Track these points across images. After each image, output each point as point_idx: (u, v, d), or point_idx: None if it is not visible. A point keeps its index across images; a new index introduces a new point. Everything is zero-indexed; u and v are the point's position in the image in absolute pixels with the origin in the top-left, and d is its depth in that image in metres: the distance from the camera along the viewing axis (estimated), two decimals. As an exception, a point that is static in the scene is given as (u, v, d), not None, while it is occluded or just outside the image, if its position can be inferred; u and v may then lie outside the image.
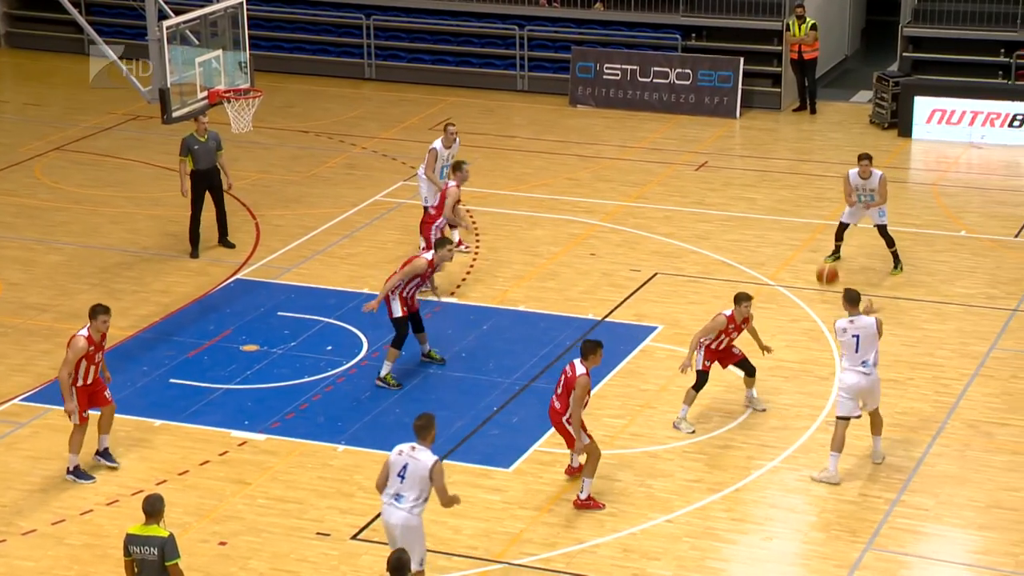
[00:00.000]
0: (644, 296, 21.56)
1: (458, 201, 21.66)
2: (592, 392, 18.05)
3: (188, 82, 21.90)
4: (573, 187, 25.95)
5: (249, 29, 23.06)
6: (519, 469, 17.15)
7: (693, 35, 31.10)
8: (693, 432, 17.76)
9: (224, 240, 23.39)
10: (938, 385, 18.94)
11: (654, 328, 20.50)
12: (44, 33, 34.68)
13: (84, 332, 16.64)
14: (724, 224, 24.25)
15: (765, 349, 18.27)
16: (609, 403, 18.47)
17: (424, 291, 19.62)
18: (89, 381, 16.75)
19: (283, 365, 19.60)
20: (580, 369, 16.02)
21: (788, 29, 29.78)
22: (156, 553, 13.08)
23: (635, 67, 30.37)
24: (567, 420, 16.10)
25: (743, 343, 18.17)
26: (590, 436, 16.24)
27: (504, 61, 31.93)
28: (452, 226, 21.96)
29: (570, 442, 16.28)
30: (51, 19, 33.94)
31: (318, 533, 15.93)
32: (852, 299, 16.77)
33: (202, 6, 23.41)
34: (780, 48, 30.28)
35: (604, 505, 16.28)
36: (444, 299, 20.98)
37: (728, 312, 17.75)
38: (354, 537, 15.79)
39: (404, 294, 18.76)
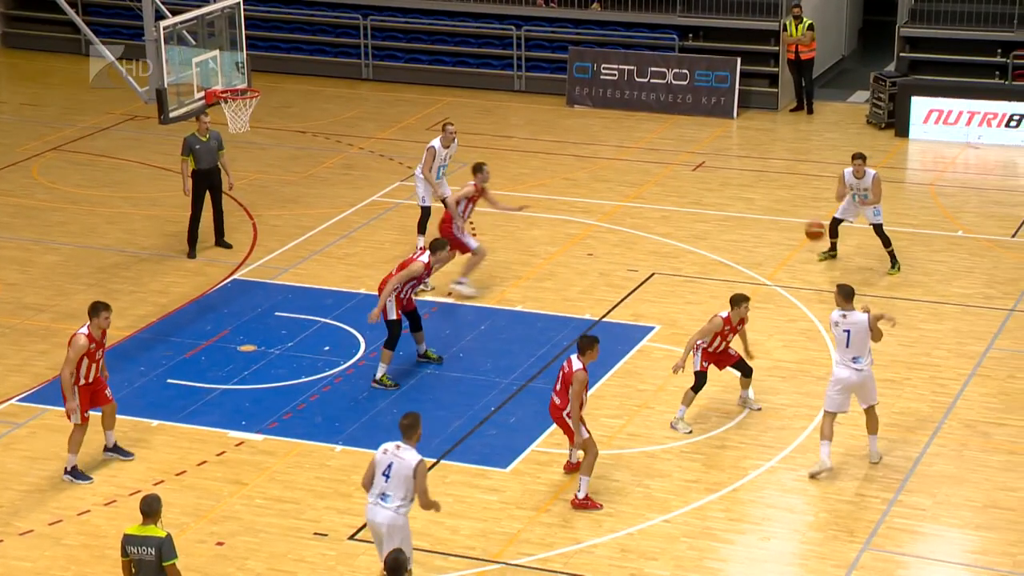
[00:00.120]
0: (641, 296, 21.57)
1: (471, 200, 21.53)
2: (590, 392, 18.09)
3: (185, 82, 21.90)
4: (570, 187, 25.95)
5: (246, 29, 23.06)
6: (516, 469, 17.15)
7: (690, 35, 31.11)
8: (690, 432, 17.77)
9: (221, 240, 23.39)
10: (935, 385, 18.95)
11: (651, 328, 20.51)
12: (41, 33, 34.67)
13: (84, 330, 16.65)
14: (721, 224, 24.26)
15: (749, 356, 18.28)
16: (607, 403, 18.48)
17: (422, 290, 19.63)
18: (91, 380, 16.77)
19: (280, 365, 19.60)
20: (577, 364, 16.07)
21: (785, 29, 29.79)
22: (153, 553, 13.08)
23: (632, 67, 30.38)
24: (567, 415, 16.12)
25: (738, 345, 18.19)
26: (589, 432, 16.26)
27: (501, 61, 31.94)
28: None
29: (571, 437, 16.31)
30: (48, 19, 33.94)
31: (316, 533, 15.92)
32: (846, 294, 16.80)
33: (199, 6, 23.40)
34: (777, 48, 30.29)
35: (602, 505, 16.29)
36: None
37: (724, 314, 17.76)
38: (351, 537, 15.79)
39: (400, 295, 18.76)
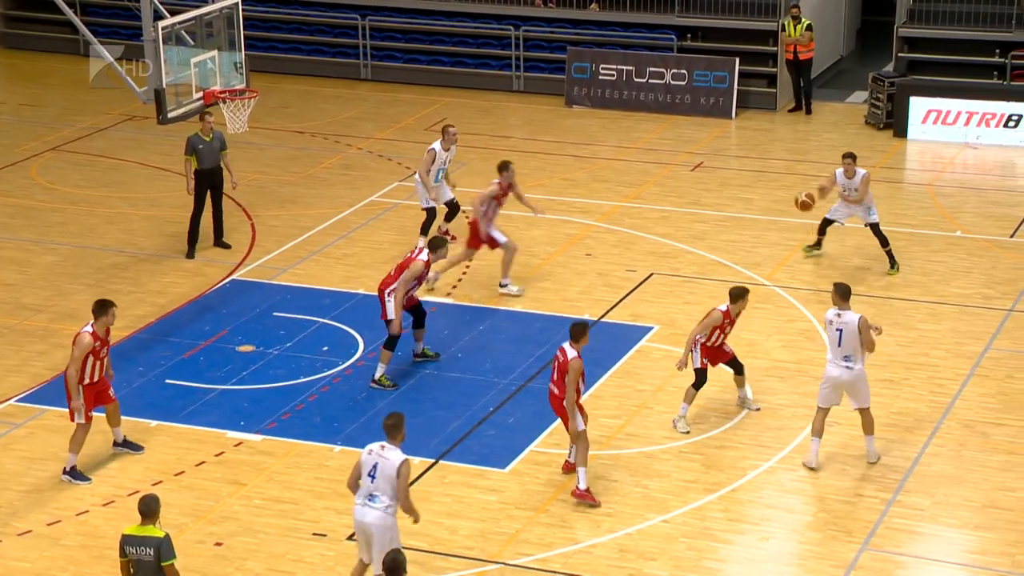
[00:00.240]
0: (640, 296, 21.57)
1: (496, 199, 21.49)
2: (589, 392, 18.11)
3: (184, 83, 21.91)
4: (569, 187, 25.96)
5: (245, 29, 23.09)
6: (515, 469, 17.15)
7: (689, 36, 31.11)
8: (688, 433, 17.77)
9: (220, 241, 23.39)
10: (933, 385, 18.96)
11: (650, 328, 20.52)
12: (40, 34, 34.67)
13: (89, 328, 16.68)
14: (720, 224, 24.27)
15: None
16: (605, 403, 18.48)
17: (429, 287, 19.74)
18: (95, 379, 16.79)
19: (279, 366, 19.60)
20: (571, 352, 16.14)
21: (784, 30, 29.79)
22: (152, 554, 13.09)
23: (631, 67, 30.38)
24: (565, 403, 16.19)
25: (732, 341, 18.19)
26: (585, 422, 16.29)
27: (500, 61, 31.93)
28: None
29: (569, 427, 16.37)
30: (47, 20, 33.94)
31: (314, 534, 15.92)
32: (843, 293, 16.82)
33: (198, 6, 23.41)
34: (776, 49, 30.29)
35: (600, 503, 16.29)
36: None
37: (724, 308, 17.76)
38: (350, 538, 15.74)
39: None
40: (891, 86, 28.78)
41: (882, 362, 19.17)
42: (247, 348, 20.09)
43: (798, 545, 15.78)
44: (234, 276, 22.44)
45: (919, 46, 30.50)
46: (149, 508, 13.20)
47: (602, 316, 20.90)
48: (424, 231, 22.47)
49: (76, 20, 23.98)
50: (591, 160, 27.44)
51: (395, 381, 18.96)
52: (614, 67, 30.46)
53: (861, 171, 21.82)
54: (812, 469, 16.91)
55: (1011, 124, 27.99)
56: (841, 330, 16.62)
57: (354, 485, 14.15)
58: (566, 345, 16.23)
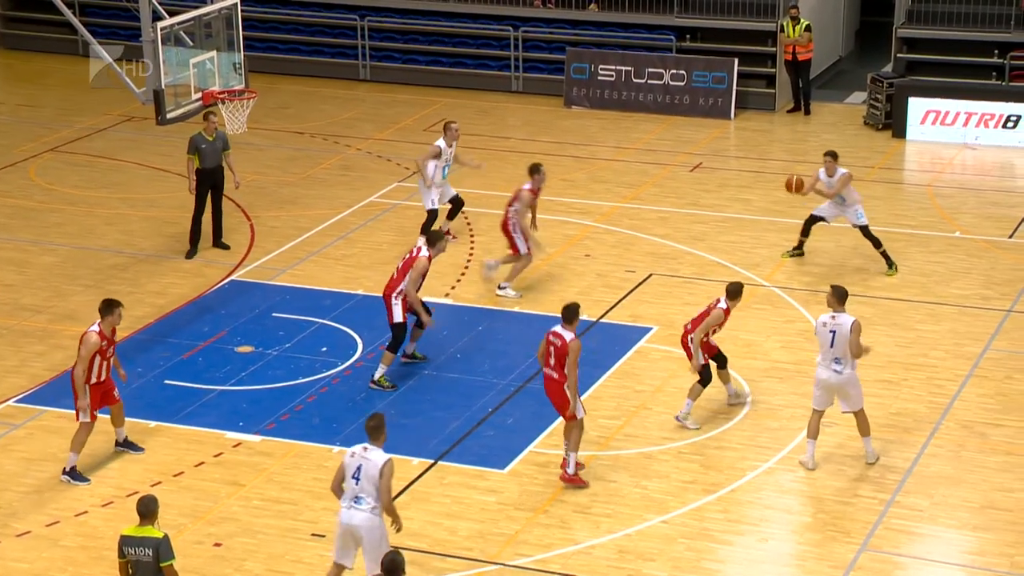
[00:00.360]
0: (639, 297, 21.57)
1: (528, 206, 21.54)
2: (588, 393, 18.10)
3: (183, 83, 21.90)
4: (568, 188, 25.95)
5: (243, 30, 23.06)
6: (514, 470, 17.15)
7: (687, 36, 31.12)
8: (699, 428, 17.77)
9: (219, 242, 23.39)
10: (932, 386, 18.96)
11: (649, 329, 20.52)
12: (38, 34, 34.67)
13: (96, 328, 16.72)
14: (719, 225, 24.27)
15: None
16: (604, 404, 18.48)
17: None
18: (102, 378, 16.83)
19: (278, 366, 19.60)
20: (568, 334, 16.28)
21: (782, 30, 29.79)
22: (151, 554, 13.09)
23: (630, 68, 30.38)
24: (567, 387, 16.26)
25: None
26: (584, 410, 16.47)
27: (498, 62, 31.93)
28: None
29: (567, 413, 16.47)
30: (45, 20, 33.93)
31: (313, 535, 15.93)
32: (840, 296, 16.82)
33: (196, 7, 23.40)
34: (774, 49, 30.30)
35: (588, 484, 16.46)
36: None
37: (724, 305, 17.78)
38: (349, 538, 15.78)
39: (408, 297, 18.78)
40: (890, 87, 28.78)
41: (881, 363, 19.18)
42: (246, 349, 20.09)
43: (797, 546, 15.78)
44: (233, 277, 22.44)
45: (918, 47, 30.50)
46: (147, 509, 13.20)
47: (601, 317, 20.90)
48: (424, 231, 22.49)
49: (75, 20, 23.96)
50: (590, 161, 27.44)
51: (394, 382, 18.96)
52: (613, 68, 30.46)
53: (842, 170, 21.85)
54: (809, 469, 16.92)
55: (1010, 125, 27.99)
56: (835, 332, 16.62)
57: (337, 489, 14.13)
58: (559, 328, 16.31)
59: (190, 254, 23.05)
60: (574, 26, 31.69)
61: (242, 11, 22.88)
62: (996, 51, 29.88)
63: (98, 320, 16.80)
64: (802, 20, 29.53)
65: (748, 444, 17.61)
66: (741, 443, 17.64)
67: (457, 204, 23.31)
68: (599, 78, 30.55)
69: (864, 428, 16.98)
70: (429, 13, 32.52)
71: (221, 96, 22.30)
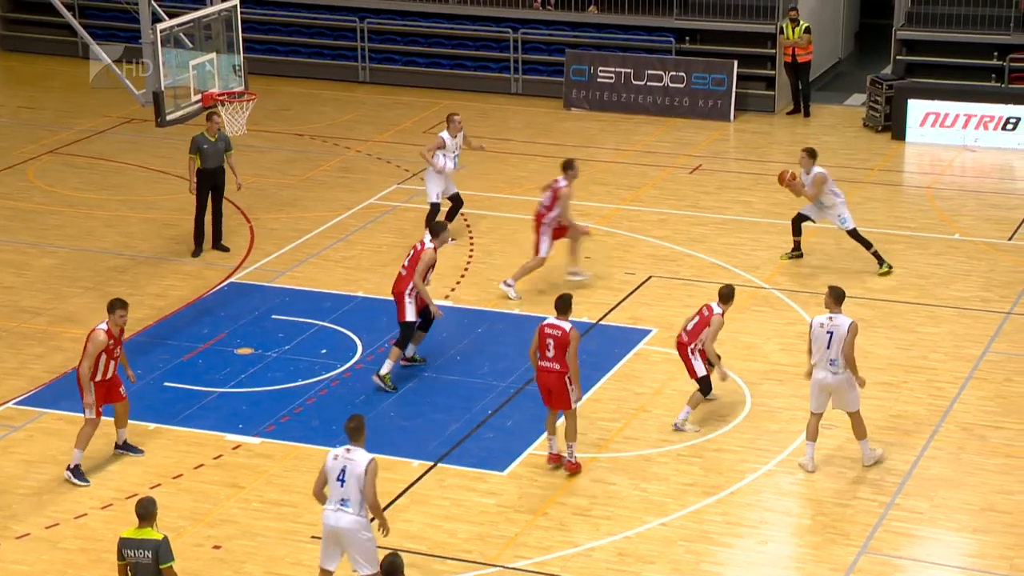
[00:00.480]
0: (639, 299, 21.57)
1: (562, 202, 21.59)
2: (586, 395, 18.09)
3: (182, 85, 21.91)
4: (567, 190, 25.92)
5: (243, 32, 23.07)
6: (514, 473, 17.15)
7: (687, 38, 31.12)
8: (699, 431, 17.78)
9: (219, 244, 23.39)
10: (932, 388, 18.95)
11: (649, 331, 20.51)
12: (38, 36, 34.67)
13: (103, 326, 16.77)
14: (719, 227, 24.27)
15: None
16: (604, 406, 18.47)
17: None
18: (108, 376, 16.85)
19: (277, 368, 19.60)
20: (566, 325, 16.47)
21: (782, 32, 29.80)
22: (150, 556, 13.09)
23: (629, 70, 30.38)
24: (569, 378, 16.43)
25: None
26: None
27: (498, 64, 31.94)
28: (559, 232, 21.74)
29: (567, 404, 16.62)
30: (45, 22, 33.95)
31: (313, 537, 15.89)
32: (837, 297, 16.83)
33: (196, 9, 23.41)
34: (774, 51, 30.30)
35: (580, 465, 16.86)
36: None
37: (719, 310, 17.82)
38: (349, 541, 15.77)
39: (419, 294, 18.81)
40: (889, 89, 28.78)
41: (880, 365, 19.18)
42: (246, 351, 20.09)
43: (796, 548, 15.78)
44: (233, 279, 22.44)
45: (917, 49, 30.51)
46: (146, 511, 13.21)
47: (601, 319, 20.89)
48: (428, 225, 22.50)
49: (74, 22, 23.96)
50: (590, 163, 27.41)
51: (394, 384, 18.96)
52: (613, 70, 30.47)
53: (817, 169, 21.82)
54: (809, 472, 16.91)
55: (1009, 127, 28.00)
56: (832, 332, 16.61)
57: (319, 494, 14.06)
58: (554, 320, 16.40)
59: (196, 253, 23.06)
60: (573, 28, 31.70)
61: (242, 13, 22.89)
62: (995, 53, 29.88)
63: (106, 319, 16.84)
64: (801, 22, 29.54)
65: (747, 446, 17.61)
66: (740, 445, 17.64)
67: (457, 204, 23.33)
68: (599, 80, 30.55)
69: (860, 431, 16.97)
70: (429, 15, 32.53)
71: (221, 98, 22.30)
